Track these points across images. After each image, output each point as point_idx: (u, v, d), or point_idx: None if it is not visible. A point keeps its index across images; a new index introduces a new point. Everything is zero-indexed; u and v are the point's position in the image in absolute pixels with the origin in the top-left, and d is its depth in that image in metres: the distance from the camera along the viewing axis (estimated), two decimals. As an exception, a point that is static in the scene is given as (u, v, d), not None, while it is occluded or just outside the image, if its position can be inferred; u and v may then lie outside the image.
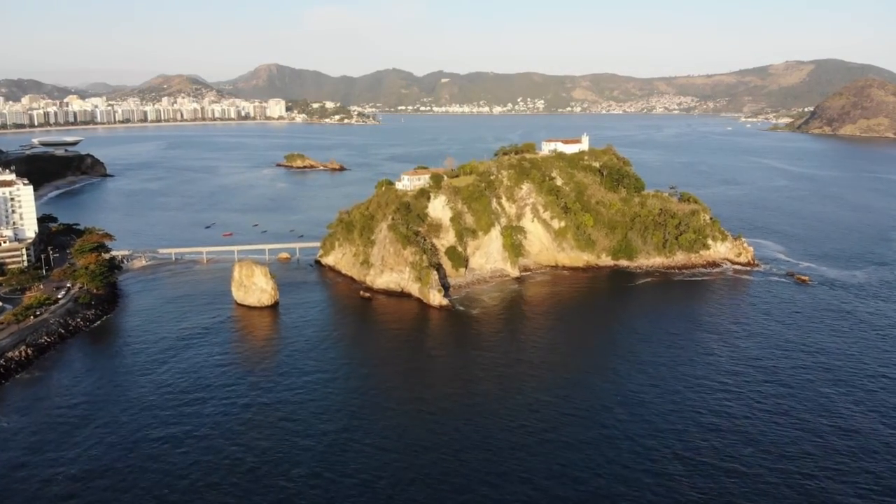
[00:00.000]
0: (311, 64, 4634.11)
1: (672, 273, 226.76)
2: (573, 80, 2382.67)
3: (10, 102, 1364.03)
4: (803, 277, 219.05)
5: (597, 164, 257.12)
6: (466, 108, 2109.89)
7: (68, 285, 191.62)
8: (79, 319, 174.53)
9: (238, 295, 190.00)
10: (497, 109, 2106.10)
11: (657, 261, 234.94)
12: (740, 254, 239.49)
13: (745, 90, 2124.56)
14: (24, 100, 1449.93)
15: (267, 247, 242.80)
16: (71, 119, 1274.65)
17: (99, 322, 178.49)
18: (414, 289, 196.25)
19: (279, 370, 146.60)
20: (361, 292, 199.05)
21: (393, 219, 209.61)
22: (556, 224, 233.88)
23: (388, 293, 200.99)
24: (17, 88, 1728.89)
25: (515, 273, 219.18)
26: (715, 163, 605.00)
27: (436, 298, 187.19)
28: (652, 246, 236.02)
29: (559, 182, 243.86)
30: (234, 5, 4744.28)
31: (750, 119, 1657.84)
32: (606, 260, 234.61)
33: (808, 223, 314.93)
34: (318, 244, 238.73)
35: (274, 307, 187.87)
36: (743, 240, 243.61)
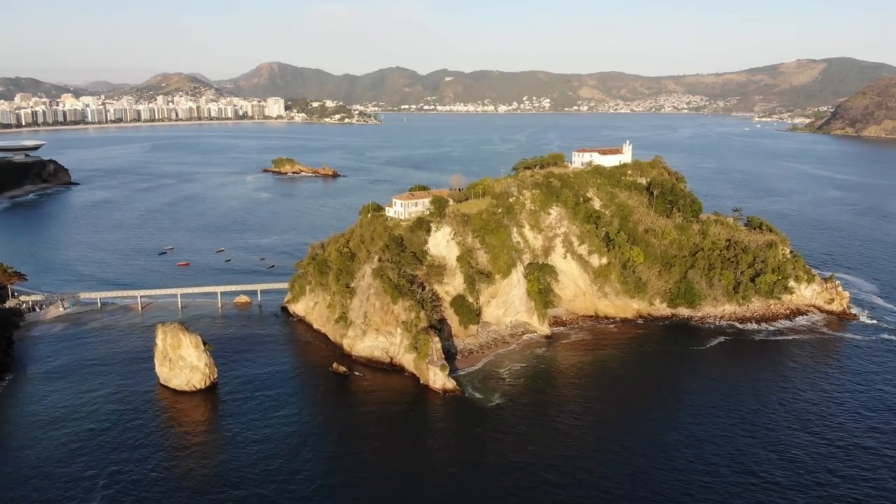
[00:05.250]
0: (314, 62, 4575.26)
1: (748, 330, 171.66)
2: (579, 78, 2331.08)
3: (1, 101, 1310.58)
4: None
5: (643, 181, 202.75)
6: (471, 107, 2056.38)
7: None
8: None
9: (162, 372, 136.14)
10: (502, 108, 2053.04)
11: (727, 309, 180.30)
12: (832, 300, 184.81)
13: (755, 89, 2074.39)
14: (16, 98, 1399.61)
15: (220, 289, 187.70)
16: (60, 119, 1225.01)
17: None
18: (407, 361, 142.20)
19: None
20: (335, 364, 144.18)
21: (380, 260, 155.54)
22: (595, 261, 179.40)
23: (373, 364, 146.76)
24: (14, 87, 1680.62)
25: (545, 330, 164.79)
26: (746, 169, 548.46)
27: (437, 378, 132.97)
28: (720, 290, 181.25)
29: (597, 205, 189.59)
30: (237, 4, 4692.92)
31: (763, 119, 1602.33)
32: (661, 308, 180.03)
33: (892, 249, 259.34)
34: (285, 285, 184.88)
35: (210, 390, 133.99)
36: (836, 281, 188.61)
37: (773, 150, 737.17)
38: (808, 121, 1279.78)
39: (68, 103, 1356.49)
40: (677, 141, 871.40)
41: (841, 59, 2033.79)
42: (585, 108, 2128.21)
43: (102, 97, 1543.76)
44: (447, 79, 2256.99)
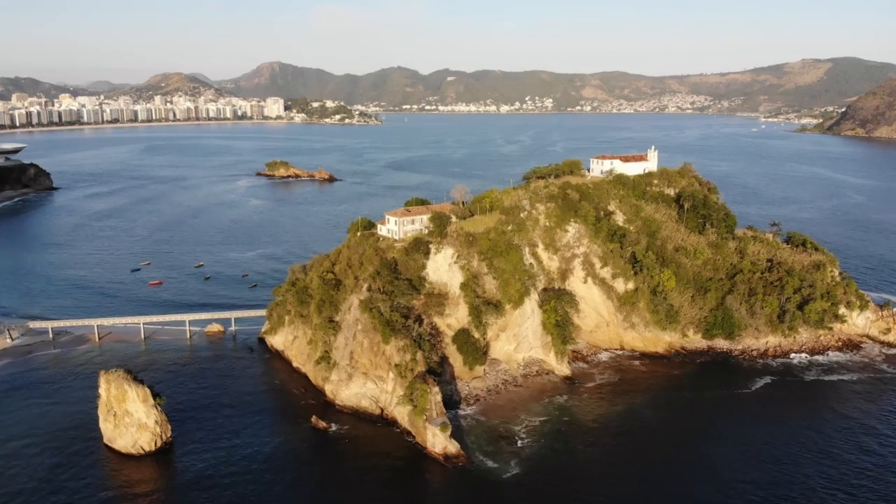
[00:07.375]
0: (315, 62, 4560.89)
1: (796, 367, 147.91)
2: (582, 78, 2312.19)
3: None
4: None
5: (671, 192, 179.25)
6: (473, 108, 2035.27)
7: None
8: None
9: (106, 429, 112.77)
10: (504, 108, 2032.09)
11: (771, 342, 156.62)
12: (889, 329, 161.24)
13: (760, 89, 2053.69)
14: (13, 98, 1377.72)
15: (188, 317, 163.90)
16: (56, 119, 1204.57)
17: None
18: (401, 414, 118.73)
19: None
20: (314, 419, 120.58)
21: (370, 289, 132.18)
22: (620, 286, 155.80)
23: (360, 416, 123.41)
24: (13, 87, 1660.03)
25: (564, 370, 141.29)
26: (761, 172, 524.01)
27: (437, 441, 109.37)
28: (762, 319, 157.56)
29: (620, 220, 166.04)
30: (239, 4, 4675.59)
31: (770, 119, 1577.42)
32: (696, 339, 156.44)
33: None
34: (264, 312, 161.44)
35: (163, 454, 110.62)
36: (894, 309, 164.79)
37: (785, 152, 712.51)
38: (815, 121, 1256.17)
39: (64, 103, 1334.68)
40: (685, 142, 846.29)
41: (846, 58, 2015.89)
42: (588, 108, 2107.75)
43: (101, 97, 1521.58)
44: (449, 79, 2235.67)
